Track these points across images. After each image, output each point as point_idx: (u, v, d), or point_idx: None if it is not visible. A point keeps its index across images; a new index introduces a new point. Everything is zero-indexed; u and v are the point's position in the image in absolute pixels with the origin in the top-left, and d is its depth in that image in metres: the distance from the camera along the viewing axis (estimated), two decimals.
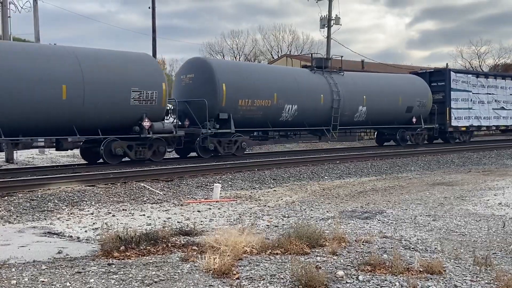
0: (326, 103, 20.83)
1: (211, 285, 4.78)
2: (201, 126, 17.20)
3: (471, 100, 27.28)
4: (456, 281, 4.93)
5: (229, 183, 13.04)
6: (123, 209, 9.52)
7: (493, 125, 29.13)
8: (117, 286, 4.76)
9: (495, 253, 6.09)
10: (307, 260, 5.53)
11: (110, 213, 9.17)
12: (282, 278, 4.96)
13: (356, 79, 23.09)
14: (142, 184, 11.84)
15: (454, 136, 26.98)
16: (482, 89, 28.16)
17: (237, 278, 4.95)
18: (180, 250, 6.05)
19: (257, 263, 5.46)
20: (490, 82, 28.78)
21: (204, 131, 17.10)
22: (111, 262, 5.54)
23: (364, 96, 22.33)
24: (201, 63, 18.57)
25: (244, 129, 18.41)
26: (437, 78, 26.89)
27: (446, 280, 4.93)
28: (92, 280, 4.89)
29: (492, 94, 28.71)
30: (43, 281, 4.87)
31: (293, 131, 21.17)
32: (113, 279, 4.94)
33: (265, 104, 18.81)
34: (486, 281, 4.94)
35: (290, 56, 52.24)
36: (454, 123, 26.29)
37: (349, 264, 5.45)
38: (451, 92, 26.20)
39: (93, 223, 8.13)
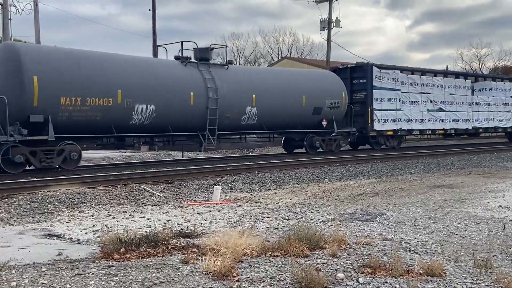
0: (199, 102, 16.98)
1: (211, 287, 4.78)
2: (3, 132, 13.26)
3: (400, 100, 23.76)
4: (457, 283, 4.93)
5: (229, 185, 13.04)
6: (123, 211, 9.52)
7: (428, 129, 25.41)
8: None
9: (496, 255, 6.09)
10: (307, 262, 5.53)
11: (110, 215, 9.17)
12: (282, 280, 4.96)
13: (244, 74, 19.40)
14: (142, 186, 11.84)
15: (379, 142, 23.53)
16: (415, 87, 24.69)
17: (237, 280, 4.95)
18: (180, 252, 6.05)
19: (257, 265, 5.46)
20: (424, 80, 25.33)
21: (3, 138, 13.11)
22: (111, 264, 5.54)
23: (254, 95, 18.51)
24: (5, 49, 14.29)
25: (75, 135, 14.31)
26: (359, 74, 23.42)
27: (446, 283, 4.93)
28: (92, 282, 4.89)
29: (428, 93, 25.16)
30: (43, 283, 4.87)
31: (158, 137, 17.26)
32: (113, 281, 4.94)
33: (105, 104, 14.71)
34: (486, 284, 4.94)
35: (290, 58, 52.31)
36: (377, 126, 22.80)
37: (349, 267, 5.45)
38: (374, 90, 22.76)
39: (93, 225, 8.13)
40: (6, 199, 9.98)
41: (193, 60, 17.73)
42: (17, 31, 37.45)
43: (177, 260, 5.69)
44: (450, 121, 26.13)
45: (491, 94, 28.75)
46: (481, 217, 8.71)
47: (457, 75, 28.72)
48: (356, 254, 5.99)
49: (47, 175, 13.15)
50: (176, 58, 17.60)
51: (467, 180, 14.44)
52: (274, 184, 13.70)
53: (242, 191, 12.59)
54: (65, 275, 5.15)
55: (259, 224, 8.08)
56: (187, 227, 7.64)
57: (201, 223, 8.25)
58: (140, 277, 5.04)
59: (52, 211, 9.46)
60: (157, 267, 5.43)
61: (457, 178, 15.25)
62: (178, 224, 8.12)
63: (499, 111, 29.04)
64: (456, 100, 26.43)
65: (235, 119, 18.23)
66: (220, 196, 11.06)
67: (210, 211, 9.55)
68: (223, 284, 4.85)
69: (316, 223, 8.05)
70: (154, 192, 11.48)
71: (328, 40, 37.29)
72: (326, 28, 37.19)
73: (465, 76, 29.20)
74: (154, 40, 28.71)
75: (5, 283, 4.85)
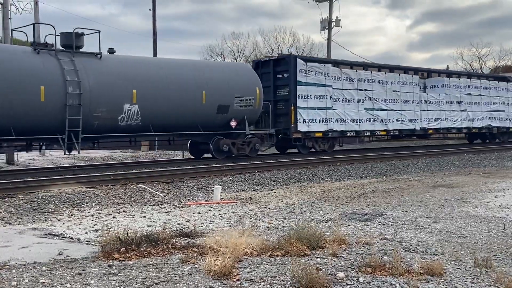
0: (53, 99, 13.82)
1: (212, 287, 4.78)
2: None
3: (331, 97, 20.91)
4: (457, 283, 4.93)
5: (230, 185, 13.05)
6: (123, 211, 9.53)
7: (367, 130, 22.54)
8: None
9: (496, 255, 6.09)
10: (308, 262, 5.53)
11: (111, 214, 9.18)
12: (282, 280, 4.96)
13: (123, 65, 15.85)
14: (142, 186, 11.85)
15: (306, 144, 20.62)
16: (350, 83, 21.77)
17: (238, 280, 4.96)
18: (180, 252, 6.05)
19: (258, 265, 5.46)
20: (362, 75, 22.39)
21: None
22: (111, 263, 5.54)
23: (134, 90, 15.39)
24: None
25: None
26: (283, 68, 20.40)
27: (446, 282, 4.93)
28: (92, 282, 4.89)
29: (366, 90, 22.29)
30: (43, 283, 4.87)
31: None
32: (113, 280, 4.94)
33: None
34: (487, 283, 4.94)
35: None
36: (302, 127, 19.94)
37: (349, 266, 5.45)
38: (298, 86, 19.87)
39: (94, 225, 8.14)
40: (7, 199, 9.98)
41: (63, 48, 14.72)
42: (17, 31, 37.34)
43: (178, 260, 5.69)
44: (393, 121, 23.29)
45: (444, 91, 26.02)
46: (482, 216, 8.71)
47: (405, 70, 25.59)
48: (357, 253, 5.99)
49: (48, 175, 13.16)
50: (37, 45, 14.50)
51: (467, 180, 14.44)
52: (274, 183, 13.71)
53: (242, 190, 12.60)
54: (66, 274, 5.16)
55: (259, 224, 8.09)
56: (188, 227, 7.64)
57: (202, 223, 8.25)
58: (140, 277, 5.05)
59: (53, 210, 9.46)
60: (158, 266, 5.43)
61: (458, 177, 15.25)
62: (178, 224, 8.13)
63: (453, 110, 26.36)
64: (401, 98, 23.73)
65: (110, 119, 14.96)
66: (221, 195, 11.07)
67: (210, 210, 9.55)
68: (224, 284, 4.85)
69: (317, 223, 8.05)
70: (154, 191, 11.48)
71: (329, 39, 37.31)
72: (327, 27, 37.23)
73: (415, 71, 26.13)
74: (155, 40, 28.74)
75: (6, 283, 4.86)
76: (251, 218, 8.69)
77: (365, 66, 23.95)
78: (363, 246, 6.35)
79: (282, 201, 10.83)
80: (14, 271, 5.30)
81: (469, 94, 27.22)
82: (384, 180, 14.76)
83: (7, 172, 14.76)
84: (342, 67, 22.20)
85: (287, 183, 13.86)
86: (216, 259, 5.23)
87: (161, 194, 11.32)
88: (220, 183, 12.75)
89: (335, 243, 6.25)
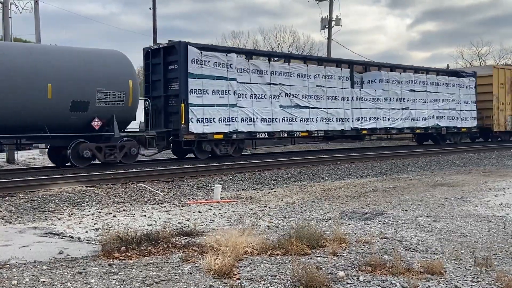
0: None
1: (212, 286, 4.79)
2: None
3: (235, 92, 17.60)
4: (457, 282, 4.93)
5: (230, 184, 13.06)
6: (124, 210, 9.54)
7: (283, 131, 19.13)
8: (118, 287, 4.76)
9: (496, 254, 6.09)
10: (308, 260, 5.53)
11: (111, 213, 9.18)
12: (282, 279, 4.96)
13: None
14: (142, 185, 11.85)
15: (204, 148, 17.03)
16: (260, 76, 18.46)
17: (238, 279, 4.96)
18: (180, 251, 6.05)
19: (258, 264, 5.47)
20: (276, 67, 19.04)
21: None
22: (112, 262, 5.55)
23: None
24: None
25: None
26: (174, 57, 16.93)
27: (446, 281, 4.94)
28: (93, 281, 4.90)
29: (282, 85, 19.06)
30: (44, 282, 4.88)
31: None
32: (113, 279, 4.95)
33: None
34: (487, 282, 4.94)
35: None
36: (196, 127, 16.50)
37: (349, 265, 5.45)
38: (189, 79, 16.46)
39: (94, 224, 8.14)
40: (7, 198, 9.99)
41: None
42: (17, 30, 37.46)
43: (178, 259, 5.69)
44: (317, 120, 20.15)
45: (381, 87, 22.76)
46: (482, 215, 8.71)
47: (337, 63, 22.33)
48: (357, 252, 5.99)
49: (48, 174, 13.17)
50: None
51: (467, 179, 14.44)
52: (274, 182, 13.71)
53: (242, 189, 12.60)
54: (66, 273, 5.16)
55: (259, 223, 8.09)
56: (188, 226, 7.65)
57: (202, 222, 8.25)
58: (140, 276, 5.05)
59: (53, 209, 9.47)
60: (158, 265, 5.43)
61: (458, 176, 15.25)
62: (178, 223, 8.13)
63: (392, 108, 23.16)
64: (328, 94, 20.58)
65: None
66: (221, 194, 11.07)
67: (210, 209, 9.56)
68: (224, 283, 4.85)
69: (317, 222, 8.05)
70: (154, 190, 11.49)
71: (329, 38, 37.30)
72: (327, 26, 37.20)
73: (350, 65, 22.88)
74: (155, 39, 28.71)
75: (6, 282, 4.86)
76: (251, 217, 8.69)
77: (286, 57, 20.75)
78: (363, 245, 6.35)
79: (282, 200, 10.83)
80: (14, 270, 5.30)
81: (413, 90, 24.11)
82: (384, 179, 14.77)
83: (8, 171, 14.77)
84: (252, 58, 18.82)
85: (287, 182, 13.86)
86: (217, 258, 5.23)
87: (162, 193, 11.32)
88: (221, 182, 12.76)
89: (335, 242, 6.25)
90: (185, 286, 4.78)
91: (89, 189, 11.09)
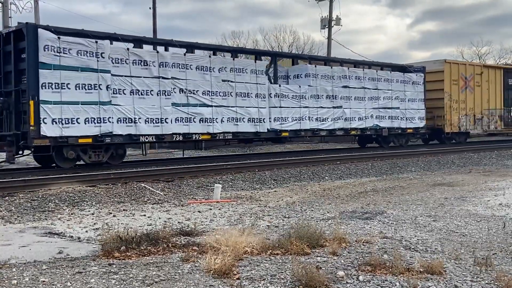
0: None
1: (212, 285, 4.79)
2: None
3: (108, 87, 14.44)
4: (457, 281, 4.93)
5: (230, 183, 13.06)
6: (123, 210, 9.54)
7: (175, 133, 16.06)
8: (118, 286, 4.77)
9: (496, 253, 6.09)
10: (308, 260, 5.54)
11: (111, 213, 9.19)
12: (282, 278, 4.96)
13: None
14: (142, 185, 11.86)
15: (66, 155, 13.99)
16: (144, 69, 15.34)
17: (238, 278, 4.96)
18: (180, 251, 6.06)
19: (258, 264, 5.47)
20: (168, 57, 15.93)
21: None
22: (111, 262, 5.55)
23: None
24: None
25: None
26: (25, 44, 13.57)
27: (446, 281, 4.94)
28: (92, 280, 4.90)
29: (175, 79, 15.93)
30: (43, 281, 4.88)
31: None
32: (113, 279, 4.95)
33: None
34: (487, 282, 4.94)
35: None
36: (50, 130, 13.39)
37: (349, 265, 5.45)
38: (41, 70, 13.30)
39: (94, 223, 8.15)
40: (7, 198, 10.00)
41: None
42: None
43: (178, 258, 5.70)
44: (222, 121, 17.10)
45: (307, 83, 19.93)
46: (481, 215, 8.71)
47: (257, 54, 19.65)
48: (357, 252, 5.99)
49: (48, 174, 13.17)
50: None
51: (467, 178, 14.44)
52: (274, 182, 13.71)
53: (242, 189, 12.60)
54: (66, 273, 5.16)
55: (259, 223, 8.09)
56: (188, 225, 7.65)
57: (202, 222, 8.26)
58: (140, 275, 5.05)
59: (53, 209, 9.47)
60: (158, 265, 5.44)
61: (458, 176, 15.25)
62: (178, 222, 8.14)
63: (321, 107, 20.25)
64: (237, 91, 17.54)
65: None
66: (221, 194, 11.07)
67: (210, 209, 9.56)
68: (224, 282, 4.86)
69: (317, 221, 8.05)
70: (154, 190, 11.49)
71: (329, 38, 37.31)
72: (327, 26, 37.23)
73: (273, 56, 20.53)
74: None
75: (6, 281, 4.87)
76: (251, 216, 8.69)
77: (188, 47, 17.04)
78: (363, 245, 6.35)
79: (282, 199, 10.83)
80: (14, 269, 5.31)
81: (347, 86, 21.21)
82: (384, 179, 14.77)
83: (8, 171, 14.76)
84: (134, 46, 15.55)
85: (287, 182, 13.86)
86: (216, 257, 5.23)
87: (161, 193, 11.33)
88: (220, 182, 12.76)
89: (335, 241, 6.25)
90: (185, 286, 4.78)
91: (89, 189, 11.10)
